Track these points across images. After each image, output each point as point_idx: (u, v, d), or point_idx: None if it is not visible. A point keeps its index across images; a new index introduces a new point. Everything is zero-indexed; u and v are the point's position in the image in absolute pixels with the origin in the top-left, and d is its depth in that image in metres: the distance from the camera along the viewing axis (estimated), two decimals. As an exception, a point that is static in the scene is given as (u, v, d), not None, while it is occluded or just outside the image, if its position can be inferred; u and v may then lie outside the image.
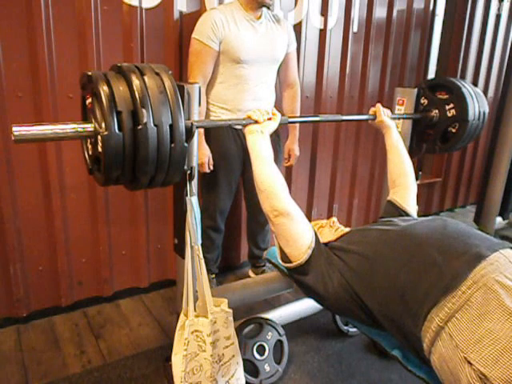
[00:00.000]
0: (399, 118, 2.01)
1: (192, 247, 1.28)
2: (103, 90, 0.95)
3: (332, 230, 1.42)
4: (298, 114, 2.16)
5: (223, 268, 2.37)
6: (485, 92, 3.56)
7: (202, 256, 1.29)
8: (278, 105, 2.13)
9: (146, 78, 0.99)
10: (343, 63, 2.62)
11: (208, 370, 1.38)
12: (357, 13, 2.57)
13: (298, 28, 2.32)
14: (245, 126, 1.30)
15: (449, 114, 1.96)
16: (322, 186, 2.80)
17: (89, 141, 1.07)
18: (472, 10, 3.20)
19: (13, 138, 0.91)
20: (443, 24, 3.13)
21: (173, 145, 1.01)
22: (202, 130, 1.86)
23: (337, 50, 2.57)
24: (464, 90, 1.92)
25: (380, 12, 2.69)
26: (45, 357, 1.74)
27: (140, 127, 0.95)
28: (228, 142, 1.96)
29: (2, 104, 1.67)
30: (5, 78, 1.65)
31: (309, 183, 2.75)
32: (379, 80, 2.87)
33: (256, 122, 1.28)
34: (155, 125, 0.96)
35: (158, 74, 1.02)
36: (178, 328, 1.37)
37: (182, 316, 1.37)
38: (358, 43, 2.66)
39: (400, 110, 2.05)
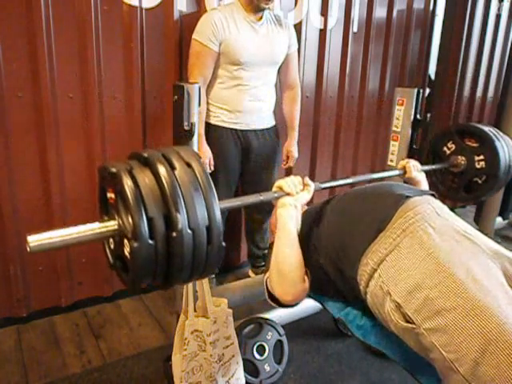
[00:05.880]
0: (429, 171, 1.82)
1: (192, 247, 1.27)
2: (131, 191, 0.80)
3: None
4: (298, 116, 2.15)
5: (223, 268, 2.37)
6: (485, 92, 3.56)
7: (202, 256, 1.29)
8: (279, 106, 2.13)
9: (177, 172, 0.85)
10: (343, 63, 2.62)
11: (208, 369, 1.38)
12: (357, 13, 2.57)
13: (298, 28, 2.31)
14: (276, 198, 1.22)
15: (477, 166, 1.85)
16: (321, 186, 2.80)
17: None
18: (472, 10, 3.19)
19: (28, 250, 0.79)
20: (443, 24, 3.12)
21: (210, 246, 0.88)
22: (202, 131, 1.86)
23: (337, 50, 2.57)
24: (497, 143, 1.81)
25: (380, 12, 2.69)
26: (45, 357, 1.74)
27: (174, 234, 0.81)
28: (227, 142, 1.96)
29: (2, 104, 1.67)
30: (5, 78, 1.65)
31: (309, 183, 2.75)
32: (379, 80, 2.87)
33: (288, 194, 1.22)
34: (191, 229, 0.83)
35: (189, 165, 0.88)
36: (177, 328, 1.37)
37: (182, 316, 1.37)
38: (357, 43, 2.66)
39: (400, 109, 2.04)
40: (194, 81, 1.79)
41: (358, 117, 2.84)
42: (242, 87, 1.89)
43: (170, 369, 1.47)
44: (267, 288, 1.22)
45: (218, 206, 0.87)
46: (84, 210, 1.95)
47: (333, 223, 1.20)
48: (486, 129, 1.89)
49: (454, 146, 1.95)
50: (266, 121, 2.04)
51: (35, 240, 0.79)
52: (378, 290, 1.01)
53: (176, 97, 1.27)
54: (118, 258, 0.90)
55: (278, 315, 1.79)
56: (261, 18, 1.87)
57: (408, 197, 1.12)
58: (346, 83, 2.66)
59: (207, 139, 1.90)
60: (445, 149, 1.99)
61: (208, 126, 1.93)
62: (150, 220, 0.80)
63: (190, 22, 1.90)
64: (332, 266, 1.15)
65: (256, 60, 1.86)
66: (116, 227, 0.85)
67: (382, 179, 1.57)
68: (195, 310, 1.38)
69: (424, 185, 1.60)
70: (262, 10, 1.83)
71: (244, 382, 1.52)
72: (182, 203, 0.82)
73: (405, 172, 1.57)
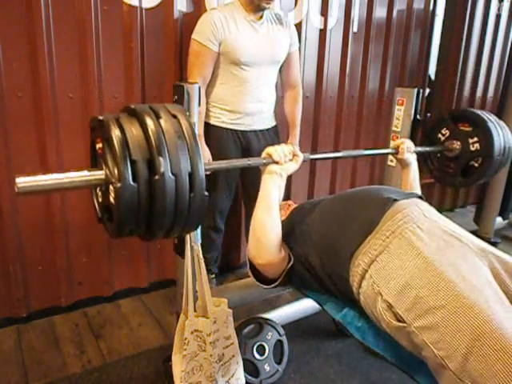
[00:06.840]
0: (423, 153, 1.86)
1: (192, 247, 1.28)
2: (116, 136, 0.85)
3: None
4: (300, 115, 2.14)
5: (223, 268, 2.37)
6: (485, 92, 3.56)
7: (201, 256, 1.29)
8: (280, 106, 2.13)
9: (162, 121, 0.90)
10: (343, 63, 2.62)
11: (208, 369, 1.38)
12: (357, 13, 2.57)
13: (298, 28, 2.31)
14: (264, 165, 1.23)
15: (472, 148, 1.88)
16: (321, 186, 2.80)
17: (98, 188, 0.98)
18: (472, 10, 3.19)
19: (16, 191, 0.81)
20: (443, 24, 3.12)
21: (192, 194, 0.90)
22: (202, 132, 1.86)
23: (337, 50, 2.57)
24: (490, 124, 1.84)
25: (380, 12, 2.69)
26: (45, 357, 1.74)
27: (157, 177, 0.85)
28: (228, 143, 1.95)
29: (2, 104, 1.67)
30: (5, 78, 1.65)
31: (309, 183, 2.74)
32: (379, 80, 2.87)
33: (276, 162, 1.21)
34: (173, 174, 0.86)
35: (174, 116, 0.93)
36: (177, 328, 1.37)
37: (182, 316, 1.37)
38: (357, 43, 2.66)
39: (400, 109, 2.05)
40: (193, 81, 1.79)
41: (358, 117, 2.84)
42: (242, 87, 1.88)
43: (170, 369, 1.47)
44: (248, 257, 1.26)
45: (201, 156, 0.91)
46: (84, 209, 1.95)
47: (323, 224, 1.23)
48: (479, 112, 1.92)
49: (448, 132, 1.98)
50: (267, 121, 2.04)
51: (24, 181, 0.83)
52: (370, 291, 1.02)
53: (176, 97, 1.28)
54: (105, 211, 0.94)
55: (278, 315, 1.79)
56: (261, 17, 1.87)
57: (396, 200, 1.14)
58: (346, 83, 2.66)
59: (207, 140, 1.90)
60: (439, 135, 2.01)
61: (208, 126, 1.93)
62: (133, 163, 0.84)
63: (189, 22, 1.90)
64: (321, 266, 1.17)
65: (256, 59, 1.86)
66: (103, 176, 0.89)
67: (373, 155, 1.56)
68: (195, 310, 1.38)
69: (414, 166, 1.60)
70: (263, 9, 1.83)
71: (244, 382, 1.52)
72: (165, 149, 0.86)
73: (397, 152, 1.59)
